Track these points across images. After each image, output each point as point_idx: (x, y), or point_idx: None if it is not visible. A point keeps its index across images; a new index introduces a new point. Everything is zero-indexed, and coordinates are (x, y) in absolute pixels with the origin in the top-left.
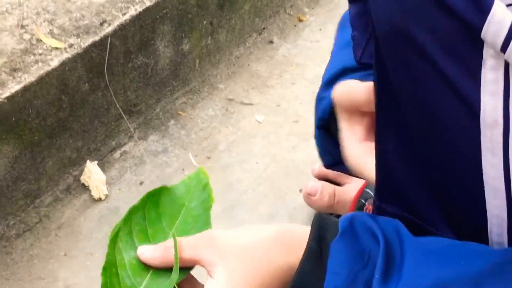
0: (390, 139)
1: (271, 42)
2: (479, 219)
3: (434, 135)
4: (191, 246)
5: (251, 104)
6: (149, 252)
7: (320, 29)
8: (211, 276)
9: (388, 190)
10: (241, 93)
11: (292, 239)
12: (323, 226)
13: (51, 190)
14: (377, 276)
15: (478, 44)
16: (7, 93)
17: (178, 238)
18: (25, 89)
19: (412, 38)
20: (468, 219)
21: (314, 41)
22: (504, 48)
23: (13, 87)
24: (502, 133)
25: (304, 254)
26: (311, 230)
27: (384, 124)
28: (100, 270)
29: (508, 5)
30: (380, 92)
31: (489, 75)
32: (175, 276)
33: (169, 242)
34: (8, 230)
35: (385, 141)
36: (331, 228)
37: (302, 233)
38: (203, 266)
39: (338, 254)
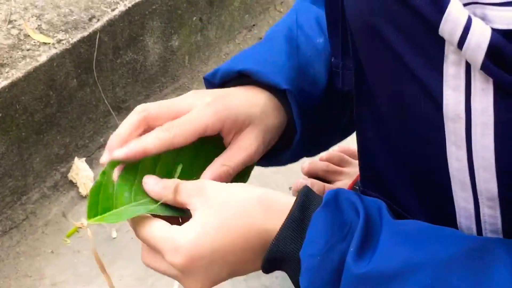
0: (368, 128)
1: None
2: (449, 211)
3: (404, 126)
4: (185, 190)
5: None
6: (151, 184)
7: None
8: (190, 220)
9: (369, 176)
10: None
11: (275, 205)
12: (309, 197)
13: (38, 187)
14: (352, 249)
15: (440, 40)
16: None
17: (179, 181)
18: (13, 84)
19: (380, 33)
20: (440, 211)
21: None
22: (460, 46)
23: (0, 83)
24: (465, 127)
25: (285, 220)
26: (297, 198)
27: (363, 113)
28: (87, 268)
29: (465, 4)
30: (357, 84)
31: (451, 70)
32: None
33: (170, 182)
34: None
35: (364, 128)
36: (317, 199)
37: (286, 202)
38: (190, 209)
39: (319, 223)
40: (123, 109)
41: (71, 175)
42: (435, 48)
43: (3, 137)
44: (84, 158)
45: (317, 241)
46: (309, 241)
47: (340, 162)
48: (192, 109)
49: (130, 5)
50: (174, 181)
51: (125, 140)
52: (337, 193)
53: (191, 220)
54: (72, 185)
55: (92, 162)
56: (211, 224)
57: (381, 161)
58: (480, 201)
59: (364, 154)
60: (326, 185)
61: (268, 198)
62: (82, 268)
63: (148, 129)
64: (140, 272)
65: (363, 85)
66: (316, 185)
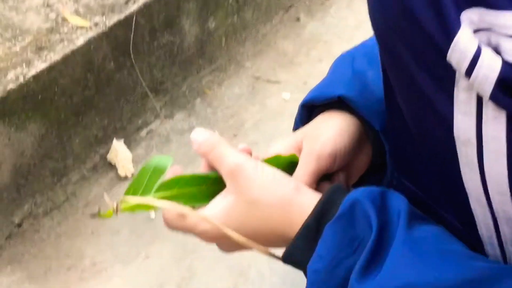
0: (400, 127)
1: (298, 19)
2: (470, 219)
3: (423, 140)
4: (223, 162)
5: (277, 82)
6: (200, 139)
7: (347, 6)
8: (222, 194)
9: (402, 168)
10: (267, 71)
11: (298, 210)
12: (330, 201)
13: (78, 169)
14: (357, 266)
15: (450, 65)
16: (33, 71)
17: (226, 149)
18: (51, 67)
19: (392, 49)
20: (465, 219)
21: (341, 18)
22: (468, 75)
23: (39, 66)
24: (476, 152)
25: (300, 230)
26: (315, 206)
27: (392, 108)
28: (126, 248)
29: (475, 31)
30: (386, 86)
31: (462, 95)
32: None
33: (215, 144)
34: (36, 208)
35: (397, 127)
36: (337, 204)
37: (309, 206)
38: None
39: (329, 237)
40: (160, 91)
41: (110, 157)
42: (446, 72)
43: (42, 119)
44: (123, 140)
45: (324, 256)
46: (317, 255)
47: None
48: None
49: None
50: (219, 145)
51: None
52: (353, 203)
53: (221, 195)
54: (111, 166)
55: (130, 143)
56: (237, 215)
57: (411, 158)
58: (498, 219)
59: (396, 148)
60: None
61: (294, 203)
62: (121, 248)
63: None
64: (178, 252)
65: (390, 91)
66: None
